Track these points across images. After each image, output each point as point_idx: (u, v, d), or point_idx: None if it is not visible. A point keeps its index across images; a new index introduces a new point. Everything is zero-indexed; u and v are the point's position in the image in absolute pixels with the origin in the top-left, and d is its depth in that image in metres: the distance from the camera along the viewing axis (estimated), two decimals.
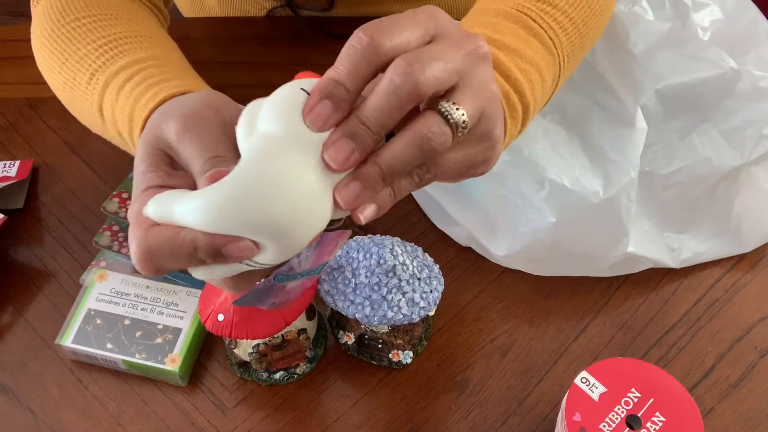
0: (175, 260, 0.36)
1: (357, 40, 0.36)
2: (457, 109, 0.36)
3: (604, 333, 0.63)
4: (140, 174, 0.39)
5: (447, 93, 0.37)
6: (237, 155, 0.37)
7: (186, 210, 0.35)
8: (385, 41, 0.35)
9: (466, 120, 0.37)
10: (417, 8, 0.38)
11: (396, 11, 0.86)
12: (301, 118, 0.36)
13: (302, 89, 0.36)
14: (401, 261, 0.55)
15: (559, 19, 0.51)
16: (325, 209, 0.36)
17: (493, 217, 0.63)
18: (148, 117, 0.46)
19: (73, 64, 0.53)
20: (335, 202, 0.36)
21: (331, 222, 0.37)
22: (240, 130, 0.37)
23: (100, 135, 0.56)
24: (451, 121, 0.36)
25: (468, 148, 0.39)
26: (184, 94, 0.46)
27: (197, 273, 0.37)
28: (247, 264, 0.36)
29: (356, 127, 0.35)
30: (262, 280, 0.39)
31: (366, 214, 0.37)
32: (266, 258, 0.36)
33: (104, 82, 0.50)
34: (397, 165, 0.36)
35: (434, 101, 0.37)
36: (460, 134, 0.37)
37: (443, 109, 0.36)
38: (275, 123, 0.36)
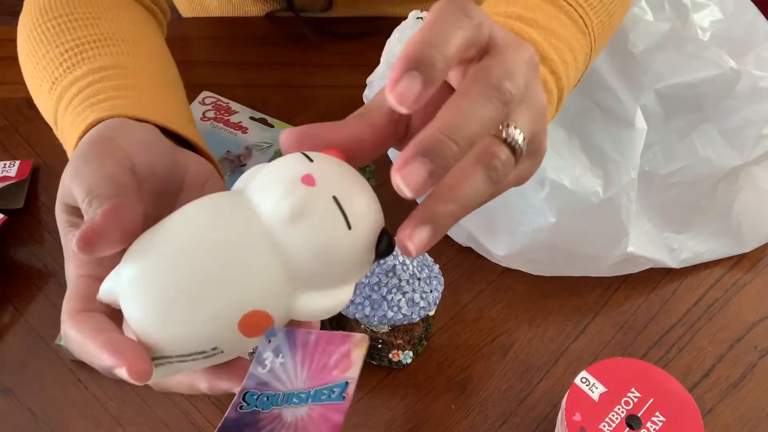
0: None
1: (448, 3, 0.31)
2: (519, 132, 0.33)
3: (604, 333, 0.63)
4: (66, 250, 0.38)
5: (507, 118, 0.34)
6: (124, 189, 0.34)
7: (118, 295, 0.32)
8: (475, 13, 0.31)
9: (525, 142, 0.34)
10: (459, 3, 0.32)
11: (394, 13, 0.86)
12: (278, 180, 0.31)
13: (306, 156, 0.31)
14: (401, 261, 0.55)
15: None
16: (266, 287, 0.31)
17: (493, 217, 0.63)
18: (77, 141, 0.44)
19: (41, 69, 0.51)
20: (404, 246, 0.31)
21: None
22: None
23: None
24: (517, 148, 0.33)
25: (522, 163, 0.36)
26: (112, 117, 0.43)
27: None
28: (169, 362, 0.32)
29: (438, 141, 0.30)
30: (234, 406, 0.32)
31: (420, 244, 0.32)
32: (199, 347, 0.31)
33: (59, 93, 0.49)
34: (469, 202, 0.32)
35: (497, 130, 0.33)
36: (519, 159, 0.34)
37: (509, 138, 0.33)
38: (266, 177, 0.32)
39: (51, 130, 0.76)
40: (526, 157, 0.36)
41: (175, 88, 0.53)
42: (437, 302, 0.57)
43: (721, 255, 0.66)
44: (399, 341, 0.58)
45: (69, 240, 0.37)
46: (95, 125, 0.43)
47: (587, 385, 0.51)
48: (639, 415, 0.50)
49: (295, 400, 0.32)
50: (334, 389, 0.33)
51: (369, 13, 0.84)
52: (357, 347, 0.33)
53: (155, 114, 0.44)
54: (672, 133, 0.62)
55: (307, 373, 0.33)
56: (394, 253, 0.55)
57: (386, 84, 0.30)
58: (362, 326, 0.58)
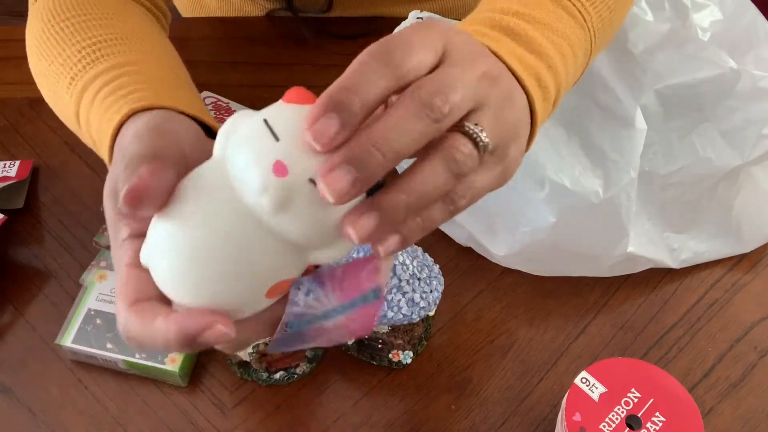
0: (155, 347, 0.35)
1: (369, 56, 0.32)
2: (482, 130, 0.34)
3: (604, 333, 0.63)
4: (112, 225, 0.38)
5: (466, 116, 0.34)
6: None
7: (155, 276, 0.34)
8: (401, 62, 0.32)
9: (489, 142, 0.34)
10: (423, 23, 0.35)
11: (393, 13, 0.86)
12: (249, 163, 0.32)
13: (266, 123, 0.32)
14: (401, 261, 0.55)
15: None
16: (280, 259, 0.33)
17: (493, 217, 0.63)
18: (114, 132, 0.44)
19: (57, 67, 0.52)
20: (346, 233, 0.32)
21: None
22: (216, 145, 0.35)
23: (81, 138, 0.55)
24: (480, 143, 0.34)
25: (492, 168, 0.37)
26: (146, 108, 0.44)
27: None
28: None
29: (365, 151, 0.30)
30: (280, 330, 0.36)
31: (388, 246, 0.33)
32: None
33: (82, 87, 0.49)
34: (426, 191, 0.32)
35: (457, 124, 0.34)
36: (485, 156, 0.35)
37: (470, 131, 0.34)
38: (232, 160, 0.33)
39: (51, 130, 0.77)
40: (494, 161, 0.37)
41: (192, 84, 0.53)
42: (437, 302, 0.57)
43: (721, 255, 0.66)
44: (399, 341, 0.58)
45: (119, 229, 0.37)
46: (131, 115, 0.43)
47: (587, 385, 0.51)
48: (639, 415, 0.50)
49: (332, 314, 0.36)
50: (368, 295, 0.36)
51: (369, 14, 0.84)
52: (385, 261, 0.36)
53: (186, 106, 0.45)
54: (672, 133, 0.62)
55: (339, 295, 0.36)
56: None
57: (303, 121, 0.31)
58: None
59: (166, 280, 0.34)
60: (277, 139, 0.32)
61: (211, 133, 0.44)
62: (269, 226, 0.32)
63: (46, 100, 0.56)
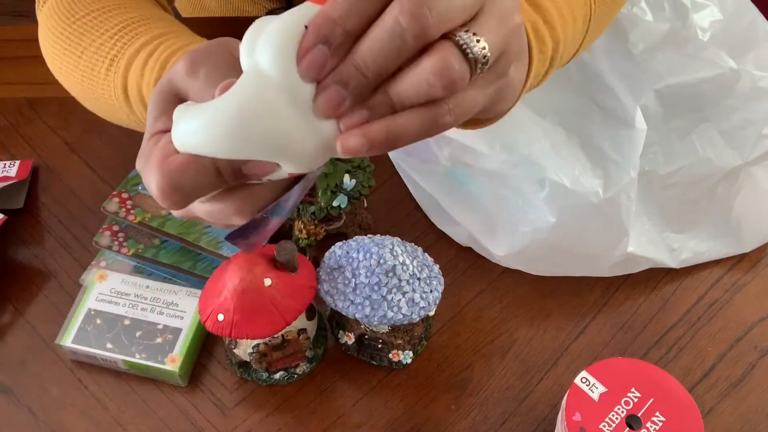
0: (200, 185, 0.34)
1: None
2: (478, 41, 0.31)
3: (604, 333, 0.63)
4: (151, 121, 0.38)
5: (467, 24, 0.32)
6: None
7: (190, 132, 0.35)
8: None
9: (488, 55, 0.32)
10: None
11: None
12: (288, 57, 0.33)
13: (305, 26, 0.33)
14: (401, 261, 0.55)
15: None
16: (325, 132, 0.34)
17: (493, 217, 0.63)
18: None
19: (90, 55, 0.53)
20: (317, 102, 0.33)
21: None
22: (242, 50, 0.35)
23: (126, 125, 0.55)
24: (470, 56, 0.31)
25: (485, 86, 0.34)
26: None
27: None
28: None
29: (350, 74, 0.32)
30: (262, 213, 0.37)
31: (351, 143, 0.32)
32: (282, 172, 0.35)
33: (126, 63, 0.50)
34: (410, 95, 0.32)
35: (450, 32, 0.32)
36: (479, 71, 0.32)
37: (462, 42, 0.31)
38: (269, 60, 0.33)
39: (51, 130, 0.77)
40: (491, 77, 0.34)
41: None
42: (437, 302, 0.57)
43: (721, 255, 0.66)
44: (399, 341, 0.58)
45: (161, 121, 0.38)
46: None
47: (587, 385, 0.51)
48: (639, 415, 0.50)
49: (283, 213, 0.39)
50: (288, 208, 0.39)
51: None
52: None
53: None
54: (672, 133, 0.62)
55: (296, 198, 0.38)
56: (395, 253, 0.55)
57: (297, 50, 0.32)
58: (362, 326, 0.58)
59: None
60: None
61: None
62: (307, 107, 0.33)
63: (76, 94, 0.56)
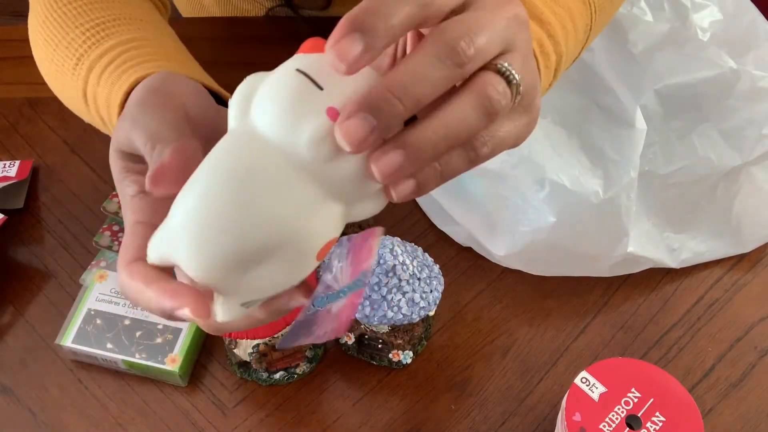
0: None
1: None
2: (513, 70, 0.32)
3: (604, 333, 0.63)
4: (122, 196, 0.38)
5: (495, 58, 0.32)
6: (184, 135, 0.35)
7: (170, 252, 0.32)
8: None
9: (520, 83, 0.32)
10: None
11: None
12: (298, 114, 0.30)
13: (303, 73, 0.30)
14: (401, 261, 0.55)
15: None
16: (331, 215, 0.31)
17: (493, 217, 0.63)
18: (123, 99, 0.45)
19: (62, 50, 0.52)
20: (369, 171, 0.30)
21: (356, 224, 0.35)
22: (231, 111, 0.32)
23: (89, 122, 0.55)
24: (513, 81, 0.31)
25: (516, 119, 0.34)
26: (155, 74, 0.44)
27: (219, 317, 0.34)
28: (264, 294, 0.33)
29: (383, 99, 0.29)
30: (303, 311, 0.34)
31: (402, 190, 0.31)
32: (277, 285, 0.32)
33: (88, 66, 0.50)
34: (455, 131, 0.30)
35: (487, 63, 0.32)
36: (516, 99, 0.32)
37: (503, 69, 0.31)
38: (268, 117, 0.31)
39: (51, 130, 0.77)
40: (521, 110, 0.35)
41: (193, 59, 0.54)
42: (437, 302, 0.57)
43: (721, 255, 0.66)
44: (399, 341, 0.58)
45: (125, 186, 0.38)
46: (141, 81, 0.43)
47: (587, 385, 0.51)
48: (639, 415, 0.50)
49: (341, 294, 0.35)
50: (362, 278, 0.35)
51: None
52: (376, 239, 0.35)
53: (192, 73, 0.45)
54: (672, 133, 0.62)
55: (351, 271, 0.35)
56: (395, 253, 0.55)
57: (328, 40, 0.29)
58: (362, 326, 0.58)
59: (195, 256, 0.31)
60: (319, 87, 0.30)
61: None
62: (320, 175, 0.30)
63: (51, 86, 0.56)
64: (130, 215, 0.37)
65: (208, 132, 0.39)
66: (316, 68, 0.31)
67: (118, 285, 0.36)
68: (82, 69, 0.50)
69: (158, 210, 0.36)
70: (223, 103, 0.46)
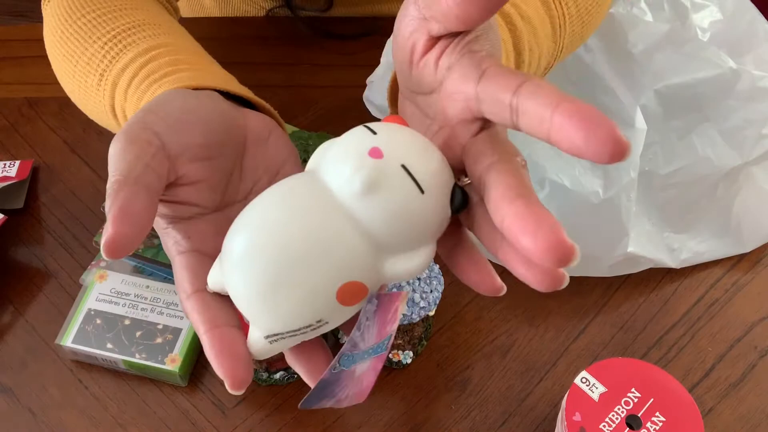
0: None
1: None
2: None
3: (604, 333, 0.63)
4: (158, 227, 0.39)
5: None
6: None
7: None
8: None
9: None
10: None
11: (394, 11, 0.86)
12: (347, 154, 0.33)
13: (366, 127, 0.33)
14: None
15: (570, 6, 0.49)
16: (358, 254, 0.33)
17: None
18: None
19: (83, 66, 0.52)
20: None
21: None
22: (309, 163, 0.35)
23: None
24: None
25: None
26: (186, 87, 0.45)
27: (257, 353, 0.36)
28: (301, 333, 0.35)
29: (563, 248, 0.31)
30: (329, 369, 0.35)
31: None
32: (296, 314, 0.34)
33: (113, 82, 0.50)
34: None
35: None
36: None
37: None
38: (327, 163, 0.34)
39: (51, 130, 0.77)
40: None
41: (212, 59, 0.53)
42: (437, 302, 0.57)
43: (721, 255, 0.66)
44: (399, 341, 0.58)
45: (157, 222, 0.39)
46: None
47: (587, 385, 0.51)
48: (639, 415, 0.50)
49: (365, 356, 0.35)
50: (385, 341, 0.35)
51: (368, 13, 0.84)
52: (402, 302, 0.35)
53: (213, 80, 0.45)
54: (672, 133, 0.62)
55: (377, 332, 0.35)
56: None
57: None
58: None
59: (240, 290, 0.34)
60: (374, 133, 0.33)
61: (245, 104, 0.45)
62: (354, 212, 0.32)
63: (75, 101, 0.56)
64: (171, 247, 0.38)
65: (208, 149, 0.39)
66: (382, 125, 0.33)
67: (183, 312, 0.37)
68: (107, 85, 0.50)
69: (191, 236, 0.38)
70: (248, 104, 0.46)
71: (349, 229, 0.32)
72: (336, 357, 0.35)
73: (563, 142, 0.28)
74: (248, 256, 0.33)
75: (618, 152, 0.27)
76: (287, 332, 0.34)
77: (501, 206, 0.30)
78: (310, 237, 0.33)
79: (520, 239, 0.29)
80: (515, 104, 0.30)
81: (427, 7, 0.34)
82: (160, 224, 0.39)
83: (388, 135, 0.33)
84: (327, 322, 0.34)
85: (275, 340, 0.35)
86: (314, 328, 0.34)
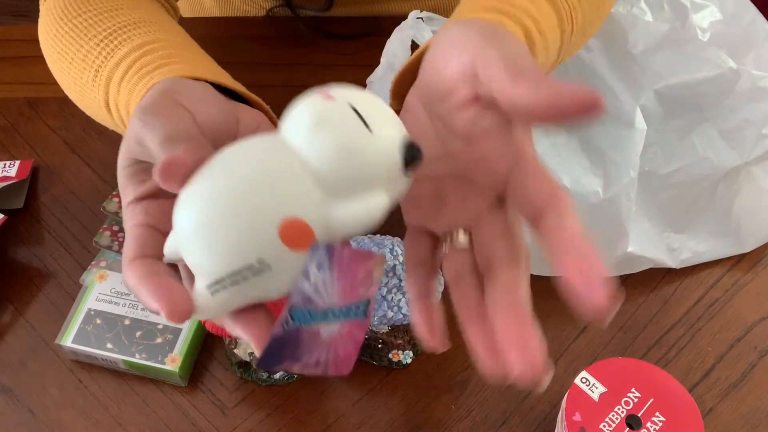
0: None
1: None
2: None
3: (604, 333, 0.63)
4: (125, 200, 0.39)
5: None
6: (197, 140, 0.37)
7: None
8: None
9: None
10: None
11: (394, 11, 0.86)
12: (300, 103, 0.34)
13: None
14: (401, 261, 0.55)
15: (576, 9, 0.49)
16: (305, 191, 0.33)
17: None
18: None
19: (78, 63, 0.53)
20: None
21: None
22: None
23: (113, 130, 0.56)
24: None
25: None
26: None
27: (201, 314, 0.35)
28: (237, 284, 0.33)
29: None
30: (280, 323, 0.33)
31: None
32: (233, 246, 0.33)
33: (107, 77, 0.50)
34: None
35: None
36: None
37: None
38: (291, 112, 0.34)
39: (51, 130, 0.77)
40: None
41: (208, 56, 0.54)
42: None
43: (721, 255, 0.66)
44: (399, 341, 0.58)
45: (128, 192, 0.38)
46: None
47: (587, 385, 0.51)
48: (639, 415, 0.50)
49: (330, 316, 0.34)
50: (360, 306, 0.35)
51: (368, 13, 0.84)
52: (378, 266, 0.35)
53: (206, 73, 0.46)
54: (672, 133, 0.62)
55: (340, 289, 0.34)
56: (395, 253, 0.55)
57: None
58: None
59: (188, 237, 0.34)
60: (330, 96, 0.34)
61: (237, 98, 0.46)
62: (302, 149, 0.33)
63: (71, 97, 0.56)
64: (129, 219, 0.38)
65: (214, 136, 0.40)
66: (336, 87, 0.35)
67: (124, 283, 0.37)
68: (101, 80, 0.50)
69: (151, 213, 0.37)
70: (242, 99, 0.46)
71: (296, 165, 0.33)
72: (285, 309, 0.33)
73: (569, 292, 0.34)
74: (191, 195, 0.33)
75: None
76: (227, 276, 0.33)
77: (496, 313, 0.35)
78: (253, 172, 0.33)
79: (506, 350, 0.33)
80: (537, 220, 0.36)
81: (482, 70, 0.36)
82: (127, 197, 0.38)
83: (344, 88, 0.34)
84: (270, 267, 0.33)
85: (217, 290, 0.33)
86: (257, 273, 0.33)
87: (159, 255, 0.36)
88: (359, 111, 0.33)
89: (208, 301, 0.34)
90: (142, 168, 0.39)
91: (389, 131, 0.33)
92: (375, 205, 0.34)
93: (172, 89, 0.41)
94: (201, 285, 0.34)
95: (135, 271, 0.35)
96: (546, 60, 0.46)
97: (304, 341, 0.34)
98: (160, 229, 0.37)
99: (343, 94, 0.34)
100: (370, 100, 0.34)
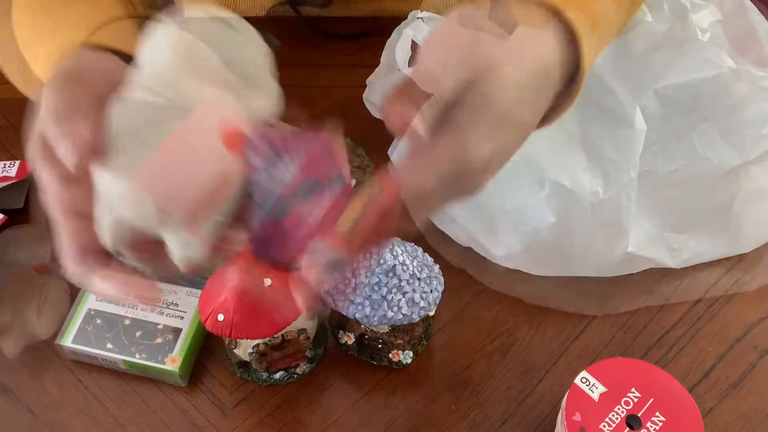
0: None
1: None
2: None
3: (604, 333, 0.63)
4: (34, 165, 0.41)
5: None
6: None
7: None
8: None
9: None
10: None
11: (394, 10, 0.86)
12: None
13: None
14: (401, 261, 0.55)
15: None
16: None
17: (493, 217, 0.63)
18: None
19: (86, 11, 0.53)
20: None
21: None
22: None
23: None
24: None
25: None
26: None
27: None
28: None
29: None
30: (258, 222, 0.35)
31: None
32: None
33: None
34: None
35: None
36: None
37: None
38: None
39: None
40: None
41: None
42: (437, 302, 0.57)
43: (721, 255, 0.66)
44: (399, 341, 0.58)
45: (42, 176, 0.41)
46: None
47: (587, 385, 0.51)
48: (639, 415, 0.50)
49: (300, 193, 0.35)
50: (333, 179, 0.36)
51: (368, 12, 0.84)
52: (335, 144, 0.36)
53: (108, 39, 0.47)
54: (672, 133, 0.62)
55: (298, 165, 0.35)
56: (395, 253, 0.55)
57: None
58: (362, 326, 0.58)
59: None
60: None
61: None
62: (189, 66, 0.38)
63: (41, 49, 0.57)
64: (55, 206, 0.41)
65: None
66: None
67: (67, 272, 0.41)
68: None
69: (71, 191, 0.41)
70: None
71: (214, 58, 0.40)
72: (253, 207, 0.35)
73: None
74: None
75: None
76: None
77: None
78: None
79: None
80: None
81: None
82: (43, 178, 0.41)
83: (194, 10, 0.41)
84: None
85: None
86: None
87: (97, 247, 0.40)
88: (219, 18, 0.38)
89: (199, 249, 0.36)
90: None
91: (251, 30, 0.40)
92: (272, 85, 0.40)
93: (77, 68, 0.43)
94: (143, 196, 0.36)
95: (92, 269, 0.40)
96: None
97: (287, 225, 0.35)
98: (84, 213, 0.40)
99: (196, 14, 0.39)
100: (218, 11, 0.39)
